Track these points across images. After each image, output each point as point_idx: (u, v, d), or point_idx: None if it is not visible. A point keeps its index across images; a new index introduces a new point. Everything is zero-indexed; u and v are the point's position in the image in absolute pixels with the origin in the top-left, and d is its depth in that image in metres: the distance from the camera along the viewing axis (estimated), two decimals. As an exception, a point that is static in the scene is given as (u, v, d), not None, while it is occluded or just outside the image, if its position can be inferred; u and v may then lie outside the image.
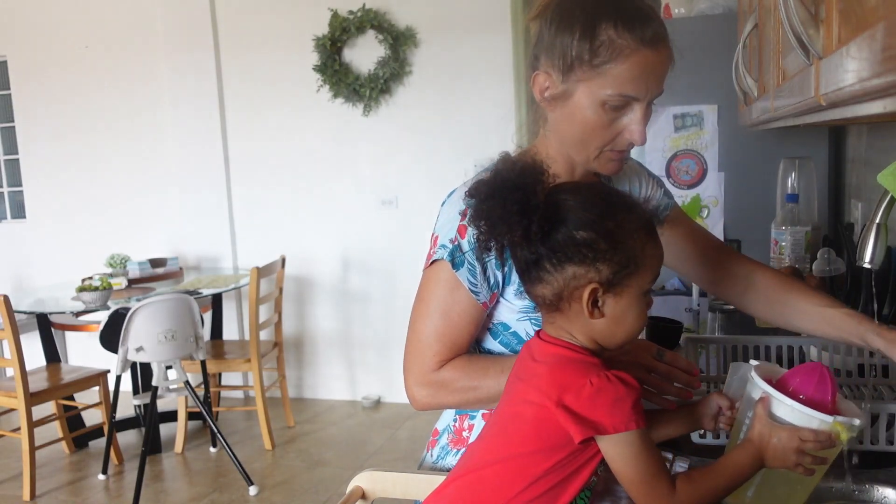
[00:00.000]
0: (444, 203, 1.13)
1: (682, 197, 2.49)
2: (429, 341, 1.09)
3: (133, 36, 4.43)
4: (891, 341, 1.08)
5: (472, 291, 1.07)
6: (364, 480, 1.18)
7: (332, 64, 4.04)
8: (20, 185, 4.88)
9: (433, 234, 1.11)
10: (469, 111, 3.92)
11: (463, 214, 1.07)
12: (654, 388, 1.03)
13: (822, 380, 0.91)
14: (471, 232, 1.07)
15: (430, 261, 1.10)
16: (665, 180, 2.47)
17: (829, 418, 0.87)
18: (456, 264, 1.06)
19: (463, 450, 1.23)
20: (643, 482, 0.86)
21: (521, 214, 0.87)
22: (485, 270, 1.07)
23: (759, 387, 0.91)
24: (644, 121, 1.05)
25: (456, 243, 1.06)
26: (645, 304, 0.92)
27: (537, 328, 1.16)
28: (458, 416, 1.18)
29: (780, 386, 0.92)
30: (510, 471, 0.89)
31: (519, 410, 0.92)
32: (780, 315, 1.28)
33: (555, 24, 1.04)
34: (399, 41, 3.96)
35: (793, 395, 0.90)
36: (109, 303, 3.42)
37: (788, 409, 0.89)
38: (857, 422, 0.88)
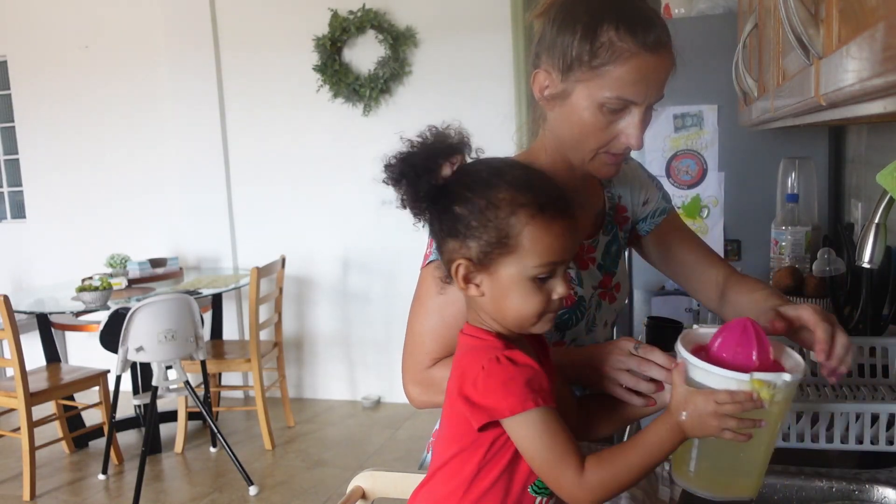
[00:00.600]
0: None
1: (682, 197, 2.49)
2: (423, 340, 1.10)
3: (133, 36, 4.43)
4: (796, 309, 1.04)
5: None
6: (364, 480, 1.18)
7: (332, 64, 4.04)
8: (20, 185, 4.88)
9: (429, 235, 1.11)
10: (469, 111, 3.90)
11: None
12: (626, 384, 0.98)
13: (745, 335, 0.84)
14: None
15: (427, 261, 1.10)
16: (665, 180, 2.47)
17: (744, 376, 0.80)
18: None
19: None
20: (548, 463, 0.83)
21: (410, 184, 0.88)
22: None
23: (678, 353, 0.87)
24: (642, 125, 1.04)
25: None
26: (534, 288, 0.86)
27: None
28: (458, 417, 1.18)
29: (704, 349, 0.87)
30: (449, 475, 0.89)
31: (443, 412, 0.92)
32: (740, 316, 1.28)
33: (557, 23, 1.04)
34: (399, 41, 3.96)
35: (715, 356, 0.84)
36: (109, 303, 3.43)
37: (702, 372, 0.83)
38: (785, 377, 0.80)
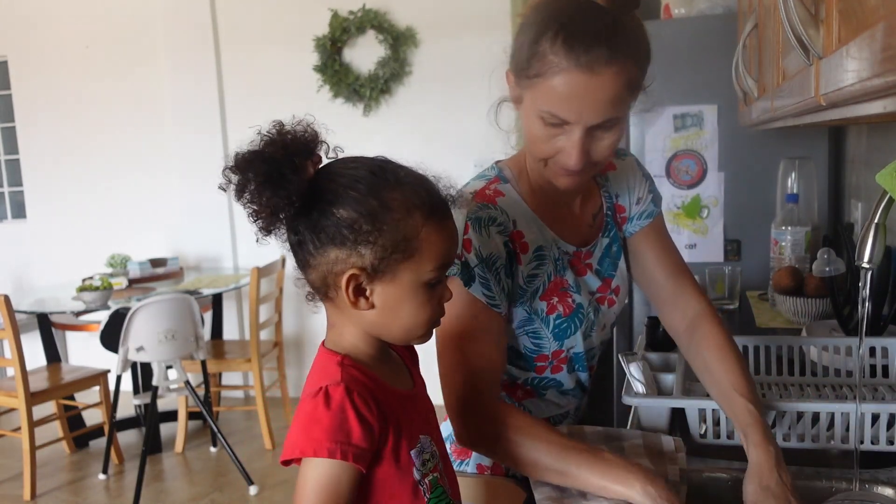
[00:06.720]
0: None
1: (682, 197, 2.49)
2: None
3: (133, 36, 4.43)
4: (753, 464, 1.01)
5: (491, 304, 1.06)
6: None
7: (332, 64, 4.04)
8: (20, 185, 4.88)
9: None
10: (469, 111, 3.91)
11: (465, 228, 1.05)
12: None
13: None
14: (476, 243, 1.05)
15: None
16: (665, 180, 2.48)
17: None
18: (467, 281, 1.05)
19: (467, 460, 1.21)
20: None
21: (272, 190, 0.76)
22: (499, 281, 1.07)
23: None
24: (580, 146, 0.98)
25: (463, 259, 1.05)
26: (428, 295, 0.81)
27: (535, 342, 1.15)
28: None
29: None
30: None
31: None
32: (699, 372, 1.21)
33: (519, 26, 1.04)
34: (399, 41, 3.96)
35: None
36: (110, 303, 3.43)
37: None
38: None
